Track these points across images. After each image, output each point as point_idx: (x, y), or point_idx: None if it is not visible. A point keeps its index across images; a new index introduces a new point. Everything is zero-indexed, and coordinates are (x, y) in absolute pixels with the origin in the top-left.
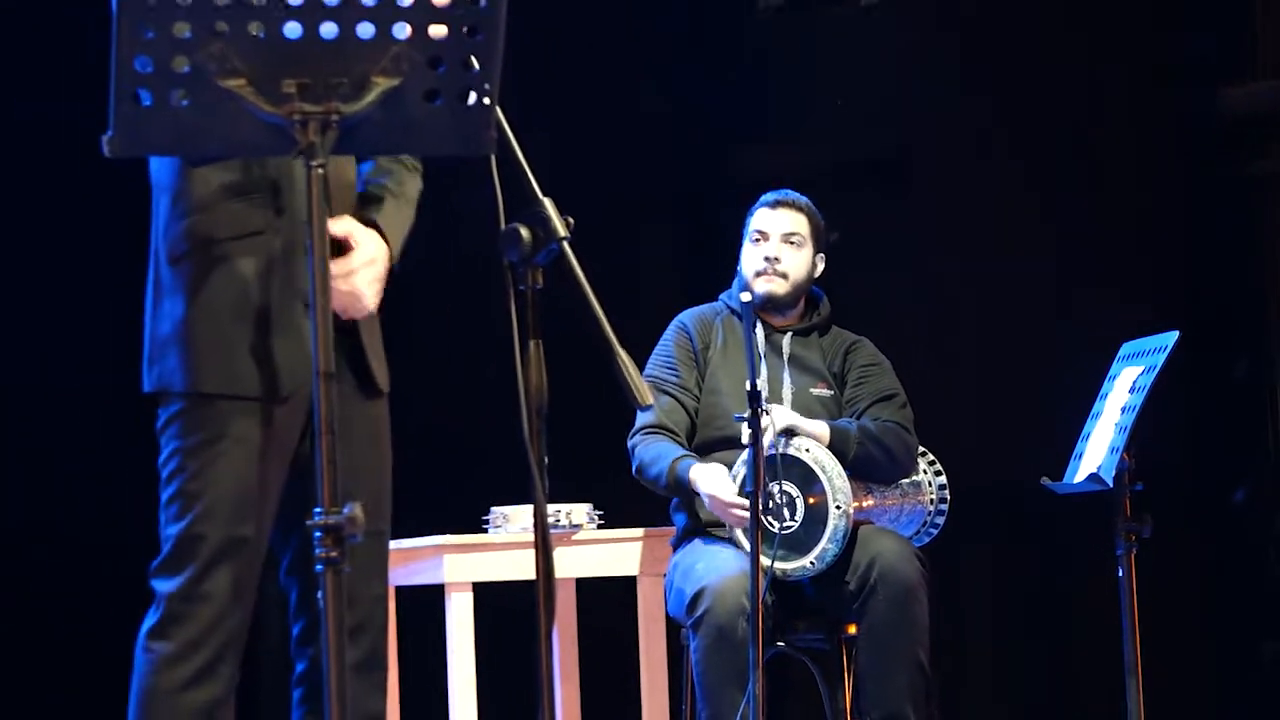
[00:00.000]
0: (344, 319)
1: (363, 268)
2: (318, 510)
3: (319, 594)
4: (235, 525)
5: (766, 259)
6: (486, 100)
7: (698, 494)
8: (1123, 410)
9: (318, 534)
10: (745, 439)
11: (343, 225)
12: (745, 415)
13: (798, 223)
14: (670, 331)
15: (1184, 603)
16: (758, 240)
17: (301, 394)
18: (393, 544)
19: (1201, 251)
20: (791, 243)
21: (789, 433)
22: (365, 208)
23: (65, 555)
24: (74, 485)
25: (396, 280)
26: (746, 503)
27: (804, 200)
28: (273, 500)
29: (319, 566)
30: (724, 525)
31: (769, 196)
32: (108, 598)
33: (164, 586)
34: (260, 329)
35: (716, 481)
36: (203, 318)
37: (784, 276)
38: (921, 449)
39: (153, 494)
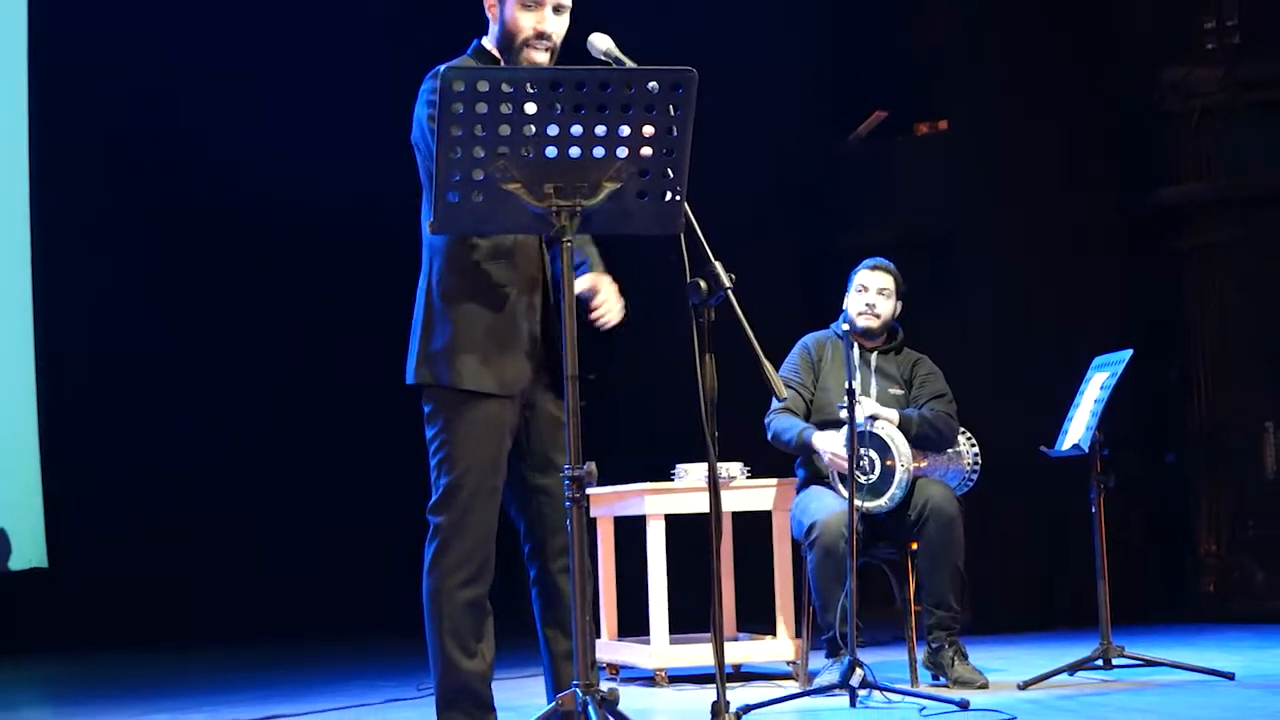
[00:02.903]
0: (611, 324)
1: (614, 295)
2: (566, 466)
3: (568, 521)
4: (484, 477)
5: (867, 305)
6: (678, 198)
7: (816, 452)
8: (1095, 401)
9: (567, 482)
10: (844, 418)
11: (588, 280)
12: (844, 405)
13: (887, 280)
14: (797, 348)
15: (1135, 530)
16: (860, 290)
17: (521, 392)
18: (610, 488)
19: (1148, 297)
20: (883, 294)
21: (873, 418)
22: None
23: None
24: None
25: (626, 319)
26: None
27: (891, 265)
28: (505, 461)
29: (567, 504)
30: (829, 476)
31: (869, 261)
32: (399, 531)
33: (439, 520)
34: (499, 349)
35: (833, 443)
36: (464, 339)
37: (877, 317)
38: (962, 429)
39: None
